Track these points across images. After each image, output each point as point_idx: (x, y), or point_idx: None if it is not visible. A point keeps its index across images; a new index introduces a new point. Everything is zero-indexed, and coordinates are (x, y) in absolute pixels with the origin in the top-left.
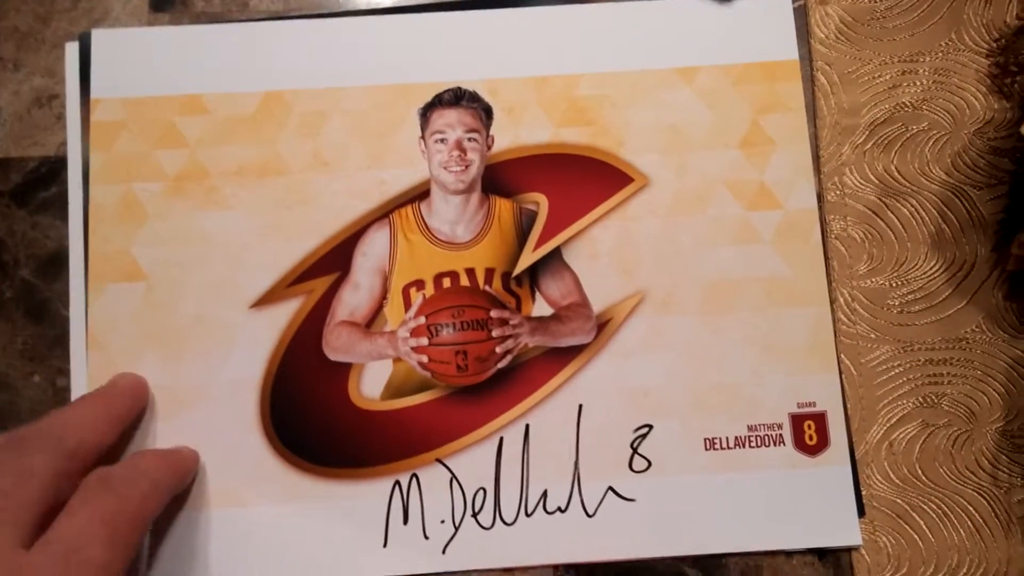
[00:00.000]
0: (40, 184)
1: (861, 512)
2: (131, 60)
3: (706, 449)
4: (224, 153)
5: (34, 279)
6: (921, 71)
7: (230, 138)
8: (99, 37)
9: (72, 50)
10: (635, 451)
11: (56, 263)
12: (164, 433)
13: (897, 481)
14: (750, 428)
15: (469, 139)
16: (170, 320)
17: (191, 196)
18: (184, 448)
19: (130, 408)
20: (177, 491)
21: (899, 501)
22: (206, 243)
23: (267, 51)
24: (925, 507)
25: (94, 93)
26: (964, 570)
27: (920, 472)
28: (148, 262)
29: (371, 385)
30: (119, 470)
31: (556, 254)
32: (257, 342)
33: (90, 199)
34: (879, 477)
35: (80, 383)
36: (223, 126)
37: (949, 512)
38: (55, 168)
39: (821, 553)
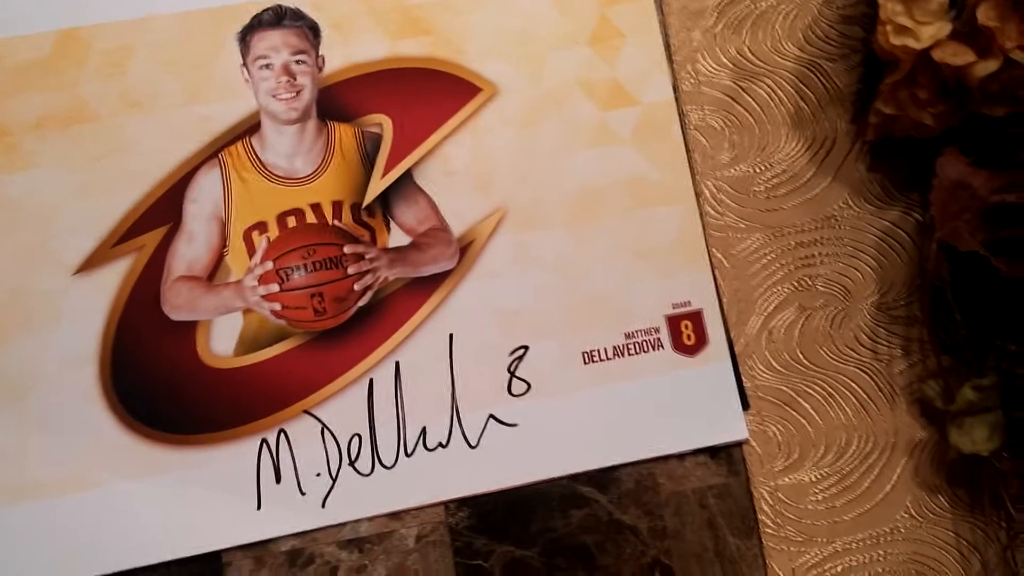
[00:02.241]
0: None
1: (746, 405)
2: None
3: (585, 363)
4: (19, 104)
5: None
6: None
7: (24, 87)
8: None
9: None
10: (513, 375)
11: None
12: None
13: (780, 369)
14: (627, 336)
15: (297, 62)
16: None
17: None
18: None
19: None
20: None
21: (784, 388)
22: (12, 209)
23: None
24: (809, 391)
25: None
26: (854, 447)
27: (801, 356)
28: None
29: (221, 341)
30: None
31: (407, 178)
32: (87, 311)
33: None
34: (762, 367)
35: None
36: (14, 74)
37: (834, 392)
38: None
39: (713, 451)
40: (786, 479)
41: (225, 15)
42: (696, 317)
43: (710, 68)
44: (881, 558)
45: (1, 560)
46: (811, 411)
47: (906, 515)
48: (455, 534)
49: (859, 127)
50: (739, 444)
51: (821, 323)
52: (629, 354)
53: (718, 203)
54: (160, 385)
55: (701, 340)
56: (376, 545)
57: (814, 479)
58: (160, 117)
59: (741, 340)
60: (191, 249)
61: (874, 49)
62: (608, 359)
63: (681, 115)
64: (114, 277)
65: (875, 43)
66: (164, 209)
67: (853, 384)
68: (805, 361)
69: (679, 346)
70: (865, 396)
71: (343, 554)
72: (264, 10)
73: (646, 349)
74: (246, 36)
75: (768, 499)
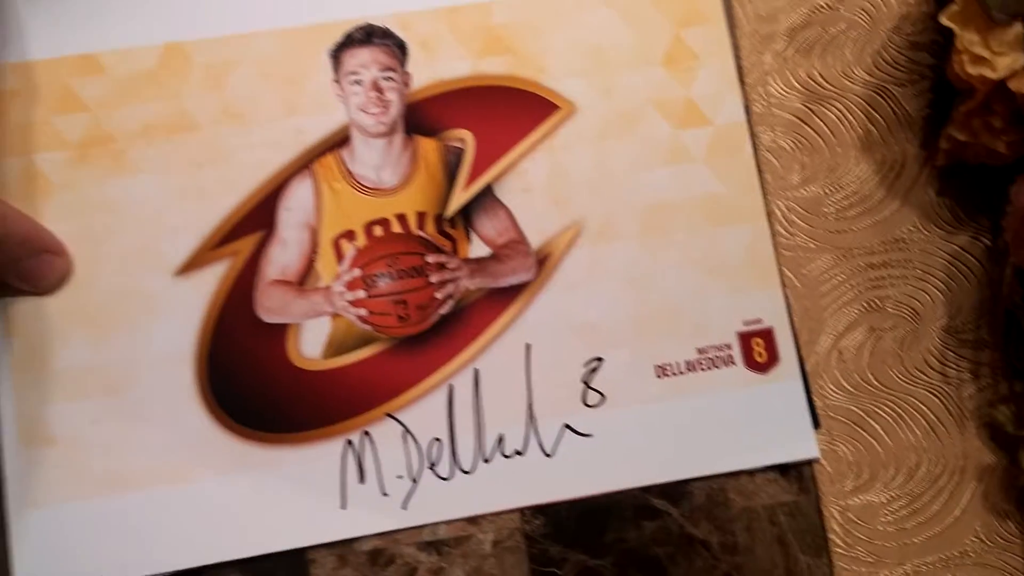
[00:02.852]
0: None
1: (817, 424)
2: (13, 20)
3: (658, 376)
4: (127, 114)
5: None
6: None
7: (132, 97)
8: None
9: None
10: (587, 385)
11: None
12: (99, 413)
13: (850, 388)
14: (699, 351)
15: (385, 78)
16: (91, 297)
17: (98, 163)
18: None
19: None
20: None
21: (854, 408)
22: (120, 212)
23: (162, 0)
24: (879, 411)
25: None
26: (924, 469)
27: (871, 377)
28: (61, 238)
29: (311, 344)
30: None
31: (488, 191)
32: (186, 311)
33: None
34: (832, 387)
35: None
36: (123, 85)
37: (903, 414)
38: None
39: (783, 468)
40: (856, 499)
41: (319, 33)
42: (767, 335)
43: (780, 90)
44: None
45: (97, 548)
46: (881, 432)
47: (976, 539)
48: (531, 541)
49: (928, 152)
50: (810, 463)
51: (891, 344)
52: (701, 369)
53: (789, 223)
54: (252, 385)
55: (772, 358)
56: (454, 548)
57: (884, 500)
58: (257, 128)
59: (811, 359)
60: (284, 255)
61: (948, 77)
62: (681, 373)
63: (752, 136)
64: (212, 280)
65: (949, 71)
66: (259, 216)
67: (923, 406)
68: (875, 382)
69: (751, 363)
70: (935, 419)
71: (422, 556)
72: (355, 29)
73: (718, 365)
74: (338, 53)
75: (838, 518)
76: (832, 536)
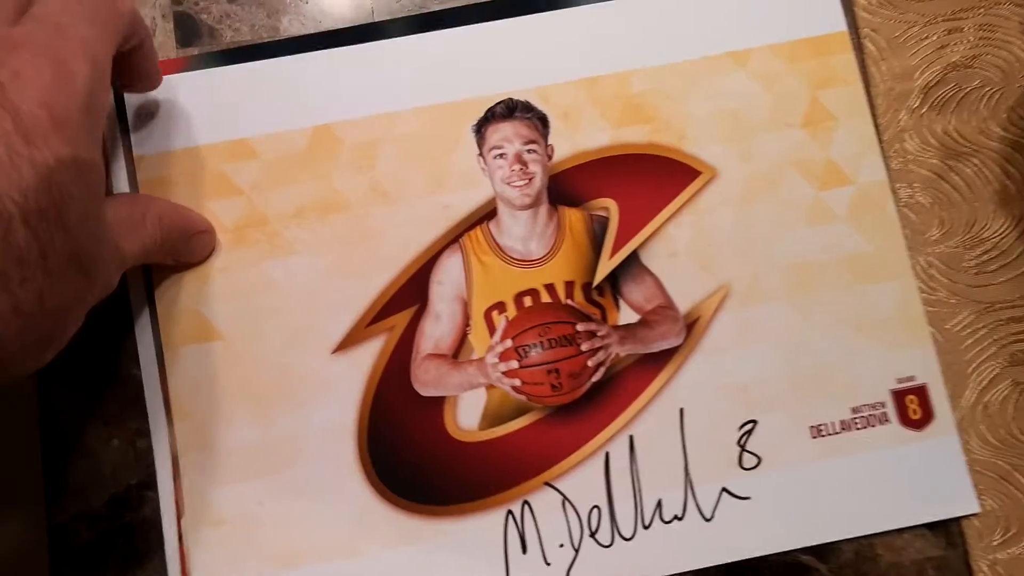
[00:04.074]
0: None
1: None
2: (168, 110)
3: (813, 437)
4: (280, 195)
5: (102, 343)
6: (966, 28)
7: (284, 179)
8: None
9: None
10: (743, 448)
11: (123, 324)
12: (265, 492)
13: (995, 443)
14: (853, 410)
15: (528, 151)
16: (253, 376)
17: (254, 244)
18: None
19: None
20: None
21: (999, 462)
22: (277, 291)
23: (310, 84)
24: None
25: (136, 151)
26: None
27: (1017, 431)
28: (221, 319)
29: (468, 416)
30: None
31: (634, 258)
32: (345, 387)
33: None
34: (978, 441)
35: (163, 450)
36: (275, 168)
37: None
38: None
39: (931, 524)
40: (1005, 553)
41: (461, 109)
42: (921, 391)
43: (917, 147)
44: None
45: None
46: None
47: None
48: None
49: None
50: (959, 519)
51: None
52: (856, 428)
53: (929, 278)
54: (412, 458)
55: (927, 414)
56: None
57: None
58: (405, 205)
59: (956, 415)
60: (437, 328)
61: None
62: (836, 433)
63: (893, 193)
64: (369, 355)
65: None
66: (412, 291)
67: None
68: (1020, 435)
69: (905, 420)
70: None
71: None
72: (497, 103)
73: (873, 423)
74: (481, 128)
75: (987, 572)
76: None
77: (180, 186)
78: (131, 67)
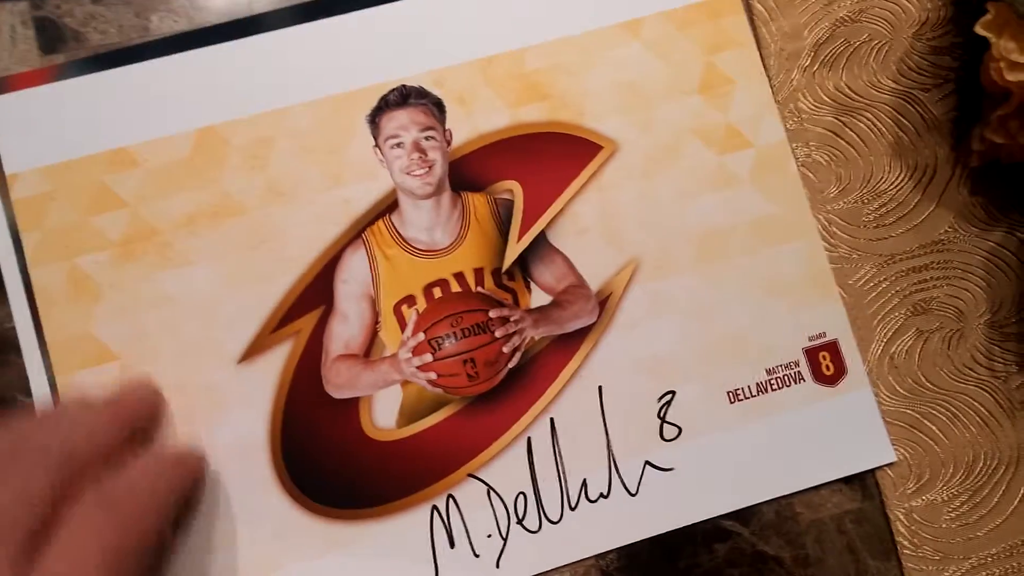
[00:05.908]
0: None
1: None
2: (41, 123)
3: (731, 402)
4: (168, 205)
5: None
6: None
7: (171, 187)
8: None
9: None
10: (663, 420)
11: (8, 352)
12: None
13: (904, 392)
14: (768, 372)
15: (426, 138)
16: None
17: (144, 258)
18: (190, 450)
19: (137, 409)
20: (183, 500)
21: (909, 411)
22: (172, 305)
23: (189, 85)
24: (934, 412)
25: (8, 168)
26: (981, 464)
27: (923, 379)
28: (115, 340)
29: (384, 415)
30: (120, 485)
31: (542, 239)
32: (254, 398)
33: (32, 283)
34: (887, 392)
35: None
36: (160, 175)
37: (957, 412)
38: None
39: (846, 478)
40: (919, 500)
41: (354, 99)
42: (832, 347)
43: (811, 106)
44: (1015, 569)
45: None
46: (937, 432)
47: None
48: None
49: (958, 154)
50: (873, 470)
51: (939, 345)
52: (772, 389)
53: (831, 235)
54: (330, 463)
55: (840, 369)
56: None
57: (946, 498)
58: (304, 204)
59: (865, 367)
60: (346, 328)
61: (982, 82)
62: (753, 396)
63: (792, 152)
64: (276, 363)
65: (984, 77)
66: (317, 292)
67: (974, 402)
68: (927, 383)
69: (819, 377)
70: (987, 413)
71: None
72: (390, 91)
73: (787, 383)
74: (375, 117)
75: (904, 521)
76: (899, 539)
77: (59, 202)
78: None
